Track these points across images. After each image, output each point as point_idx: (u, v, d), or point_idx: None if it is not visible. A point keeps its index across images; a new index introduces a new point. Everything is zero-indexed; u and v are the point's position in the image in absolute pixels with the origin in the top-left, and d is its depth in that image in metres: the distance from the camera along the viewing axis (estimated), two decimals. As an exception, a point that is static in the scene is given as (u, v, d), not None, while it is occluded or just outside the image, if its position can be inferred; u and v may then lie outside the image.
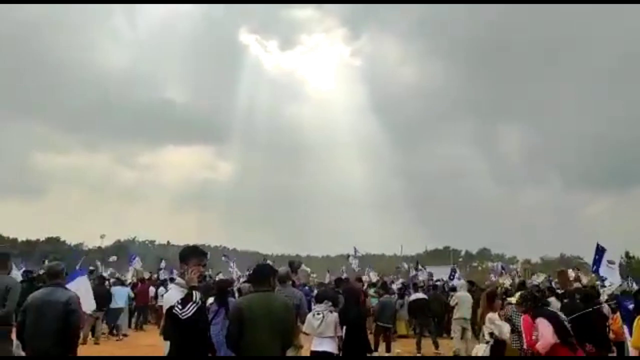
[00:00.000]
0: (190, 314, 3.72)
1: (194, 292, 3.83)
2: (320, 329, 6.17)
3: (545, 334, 5.16)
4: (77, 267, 18.37)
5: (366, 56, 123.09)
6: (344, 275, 19.36)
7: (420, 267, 23.90)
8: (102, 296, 12.20)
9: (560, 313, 5.52)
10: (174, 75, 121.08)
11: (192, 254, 4.06)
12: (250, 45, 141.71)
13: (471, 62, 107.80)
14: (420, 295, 13.69)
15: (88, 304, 14.11)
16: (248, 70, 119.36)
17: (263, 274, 4.51)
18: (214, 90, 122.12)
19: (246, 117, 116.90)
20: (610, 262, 12.32)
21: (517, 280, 19.80)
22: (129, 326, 14.96)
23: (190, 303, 3.75)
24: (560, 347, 5.12)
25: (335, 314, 6.39)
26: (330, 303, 6.45)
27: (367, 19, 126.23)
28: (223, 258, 25.89)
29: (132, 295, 15.08)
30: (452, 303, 12.33)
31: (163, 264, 23.35)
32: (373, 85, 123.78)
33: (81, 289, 13.98)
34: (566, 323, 5.36)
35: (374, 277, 21.98)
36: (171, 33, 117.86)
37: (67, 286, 13.05)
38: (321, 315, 6.24)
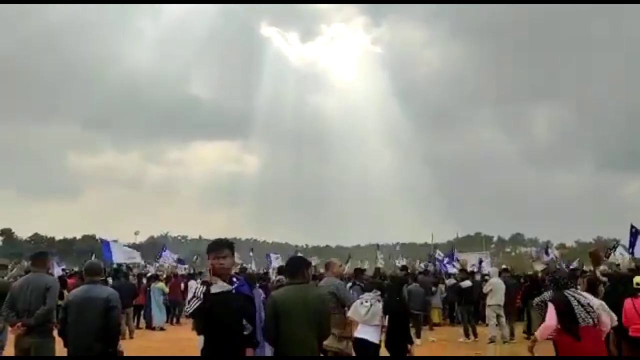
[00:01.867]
0: (191, 310, 3.80)
1: (201, 286, 3.86)
2: (367, 317, 6.23)
3: (547, 318, 5.05)
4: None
5: (387, 43, 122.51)
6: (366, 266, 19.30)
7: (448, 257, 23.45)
8: (129, 292, 12.31)
9: (577, 295, 5.11)
10: (198, 71, 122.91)
11: (210, 248, 4.02)
12: (272, 37, 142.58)
13: (496, 43, 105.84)
14: (468, 282, 13.37)
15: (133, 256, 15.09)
16: (270, 62, 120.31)
17: (296, 266, 4.49)
18: (238, 84, 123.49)
19: (271, 110, 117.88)
20: None
21: (556, 265, 19.29)
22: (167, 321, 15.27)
23: (193, 299, 3.81)
24: (559, 332, 4.97)
25: (381, 304, 6.43)
26: (378, 292, 6.53)
27: (386, 6, 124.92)
28: (250, 253, 26.08)
29: (167, 290, 15.33)
30: (485, 290, 12.13)
31: (161, 259, 22.92)
32: (396, 71, 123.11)
33: (122, 251, 14.78)
34: (577, 307, 4.93)
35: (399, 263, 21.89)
36: (193, 31, 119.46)
37: (114, 259, 13.84)
38: (369, 304, 6.32)
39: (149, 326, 14.48)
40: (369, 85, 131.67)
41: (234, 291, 3.93)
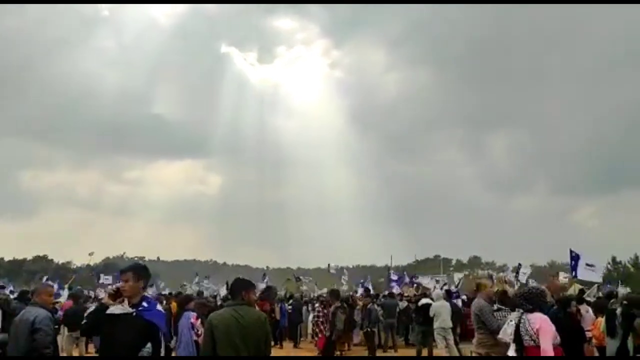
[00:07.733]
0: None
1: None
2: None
3: None
4: (67, 286, 18.10)
5: (349, 66, 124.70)
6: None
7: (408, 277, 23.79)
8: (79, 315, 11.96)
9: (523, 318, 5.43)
10: (161, 90, 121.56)
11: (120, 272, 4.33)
12: (233, 58, 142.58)
13: (457, 70, 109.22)
14: (428, 300, 13.19)
15: None
16: (232, 82, 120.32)
17: (236, 288, 4.57)
18: (201, 104, 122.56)
19: (233, 129, 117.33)
20: (588, 264, 12.57)
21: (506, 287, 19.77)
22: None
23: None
24: None
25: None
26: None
27: (348, 29, 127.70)
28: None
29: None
30: (430, 314, 12.25)
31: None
32: (358, 95, 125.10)
33: None
34: (521, 328, 5.30)
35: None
36: (155, 50, 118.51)
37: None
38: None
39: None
40: (331, 109, 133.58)
41: (134, 314, 3.98)
